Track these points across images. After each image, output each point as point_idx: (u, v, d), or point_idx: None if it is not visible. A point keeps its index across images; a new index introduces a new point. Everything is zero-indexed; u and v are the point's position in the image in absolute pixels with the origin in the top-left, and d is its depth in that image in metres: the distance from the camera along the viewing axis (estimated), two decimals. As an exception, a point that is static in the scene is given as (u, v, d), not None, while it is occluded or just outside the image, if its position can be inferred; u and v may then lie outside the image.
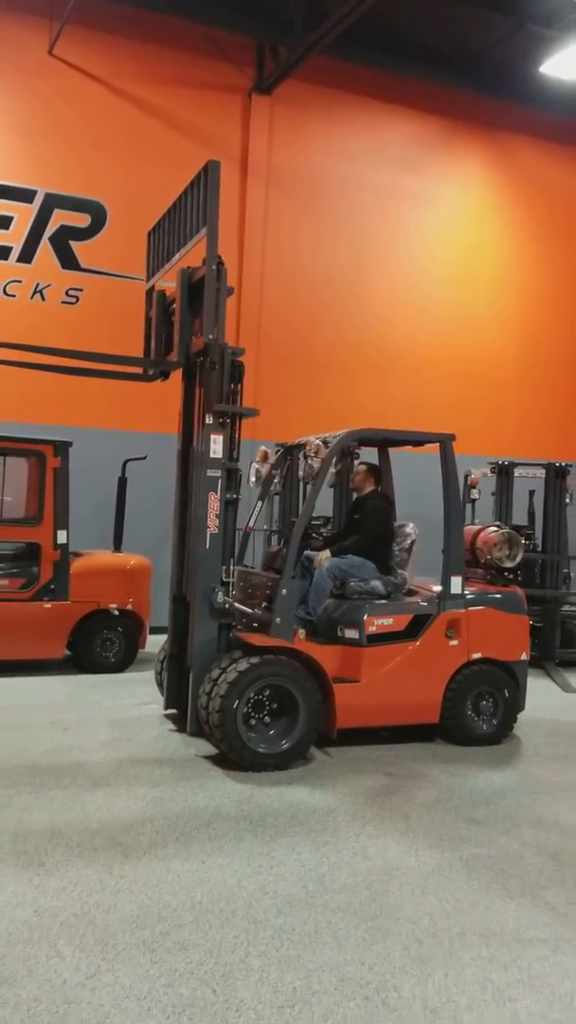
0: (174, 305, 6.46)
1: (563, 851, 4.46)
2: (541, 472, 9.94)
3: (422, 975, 3.23)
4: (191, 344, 6.26)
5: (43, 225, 10.64)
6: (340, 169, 12.19)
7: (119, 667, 8.48)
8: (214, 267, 5.86)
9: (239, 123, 11.61)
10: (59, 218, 10.70)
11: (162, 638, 6.76)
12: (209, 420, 5.91)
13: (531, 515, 11.12)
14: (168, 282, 6.62)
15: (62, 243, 10.75)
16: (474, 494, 10.48)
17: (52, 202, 10.66)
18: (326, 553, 6.42)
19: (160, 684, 6.84)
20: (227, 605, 5.89)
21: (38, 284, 10.62)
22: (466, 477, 10.56)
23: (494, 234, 13.34)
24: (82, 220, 10.82)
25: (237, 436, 6.09)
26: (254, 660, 5.63)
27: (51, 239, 10.68)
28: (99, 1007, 2.95)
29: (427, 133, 12.72)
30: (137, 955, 3.29)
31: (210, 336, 5.85)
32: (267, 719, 5.69)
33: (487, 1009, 3.02)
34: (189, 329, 6.28)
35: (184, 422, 6.45)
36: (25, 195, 10.54)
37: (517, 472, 10.06)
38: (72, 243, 10.81)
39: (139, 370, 6.77)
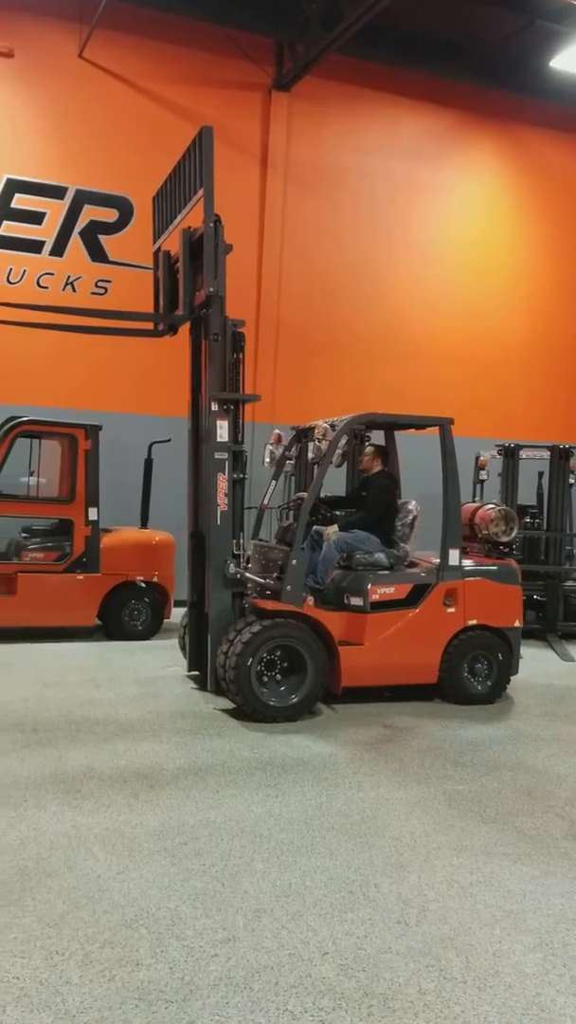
0: (178, 264, 6.96)
1: (537, 788, 5.02)
2: (546, 454, 10.41)
3: (399, 877, 3.82)
4: (195, 298, 6.77)
5: (74, 220, 11.24)
6: (356, 161, 12.67)
7: (145, 635, 9.13)
8: (211, 224, 6.38)
9: (259, 119, 12.12)
10: (88, 213, 11.29)
11: (185, 609, 7.38)
12: (214, 407, 6.48)
13: (539, 495, 11.58)
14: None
15: (91, 237, 11.34)
16: (482, 475, 10.98)
17: (82, 198, 11.25)
18: (334, 528, 6.99)
19: (183, 649, 7.47)
20: (238, 575, 6.48)
21: (69, 276, 11.22)
22: (476, 459, 11.07)
23: (505, 223, 13.76)
24: (110, 215, 11.40)
25: (241, 420, 6.64)
26: (266, 623, 6.24)
27: (81, 233, 11.28)
28: (127, 893, 3.57)
29: (441, 126, 13.16)
30: (159, 858, 3.91)
31: (211, 289, 6.37)
32: (278, 677, 6.30)
33: (451, 901, 3.61)
34: (192, 284, 6.77)
35: (192, 407, 7.01)
36: (57, 192, 11.13)
37: (523, 454, 10.53)
38: (101, 237, 11.40)
39: (149, 325, 7.30)
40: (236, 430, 6.56)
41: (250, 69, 11.93)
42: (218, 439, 6.46)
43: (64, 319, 7.21)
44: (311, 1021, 2.75)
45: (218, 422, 6.45)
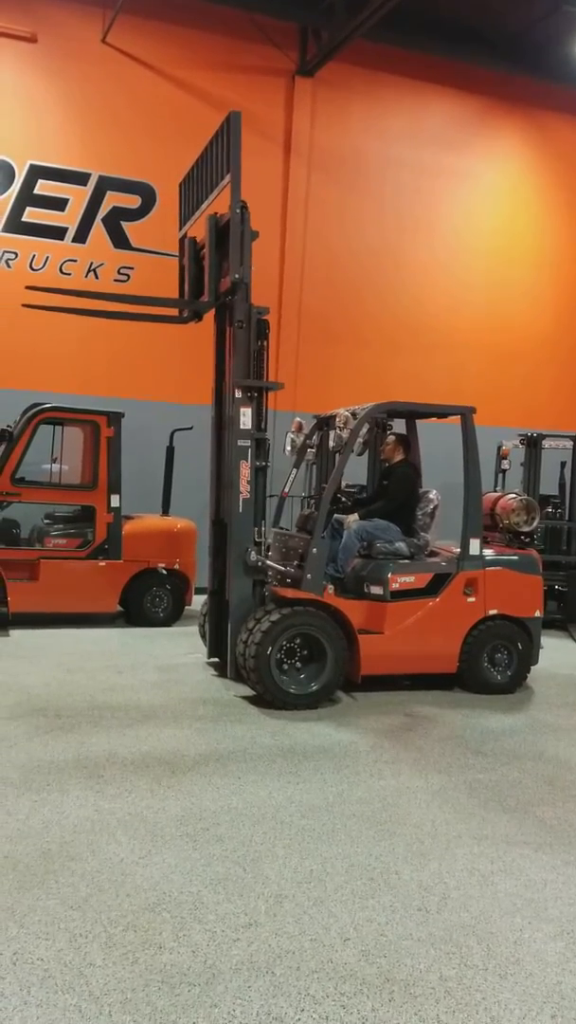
0: (204, 250, 6.96)
1: (558, 778, 5.02)
2: (569, 443, 10.34)
3: (420, 864, 3.83)
4: (220, 284, 6.76)
5: (96, 207, 11.24)
6: (380, 148, 12.58)
7: (167, 621, 9.19)
8: (238, 211, 6.37)
9: (283, 105, 12.06)
10: (111, 200, 11.29)
11: (206, 596, 7.41)
12: (238, 394, 6.48)
13: (562, 485, 11.51)
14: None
15: (114, 224, 11.35)
16: (504, 464, 10.94)
17: (105, 184, 11.25)
18: (354, 516, 6.98)
19: (203, 636, 7.50)
20: (259, 563, 6.50)
21: (92, 263, 11.24)
22: (498, 448, 11.01)
23: (530, 210, 13.63)
24: (133, 201, 11.40)
25: (264, 408, 6.64)
26: (286, 611, 6.25)
27: (104, 220, 11.29)
28: (150, 878, 3.60)
29: (465, 112, 13.03)
30: (182, 843, 3.95)
31: (236, 275, 6.37)
32: (298, 664, 6.32)
33: (471, 889, 3.62)
34: (218, 270, 6.77)
35: (216, 385, 7.02)
36: (80, 178, 11.14)
37: (546, 443, 10.46)
38: (123, 223, 11.40)
39: (175, 312, 7.30)
40: (259, 418, 6.56)
41: (274, 54, 11.86)
42: (241, 426, 6.47)
43: (88, 304, 7.21)
44: (333, 1006, 2.77)
45: (241, 409, 6.46)
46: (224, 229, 6.62)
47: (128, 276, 11.36)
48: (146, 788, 4.58)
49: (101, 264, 11.27)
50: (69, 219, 11.12)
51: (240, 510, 6.49)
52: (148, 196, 11.41)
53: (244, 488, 6.49)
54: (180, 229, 7.60)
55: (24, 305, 7.10)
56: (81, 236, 11.17)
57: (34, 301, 6.91)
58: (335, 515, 7.03)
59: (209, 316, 7.10)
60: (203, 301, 6.95)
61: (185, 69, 11.49)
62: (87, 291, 7.17)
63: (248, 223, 6.44)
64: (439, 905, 3.46)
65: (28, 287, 6.88)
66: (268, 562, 6.53)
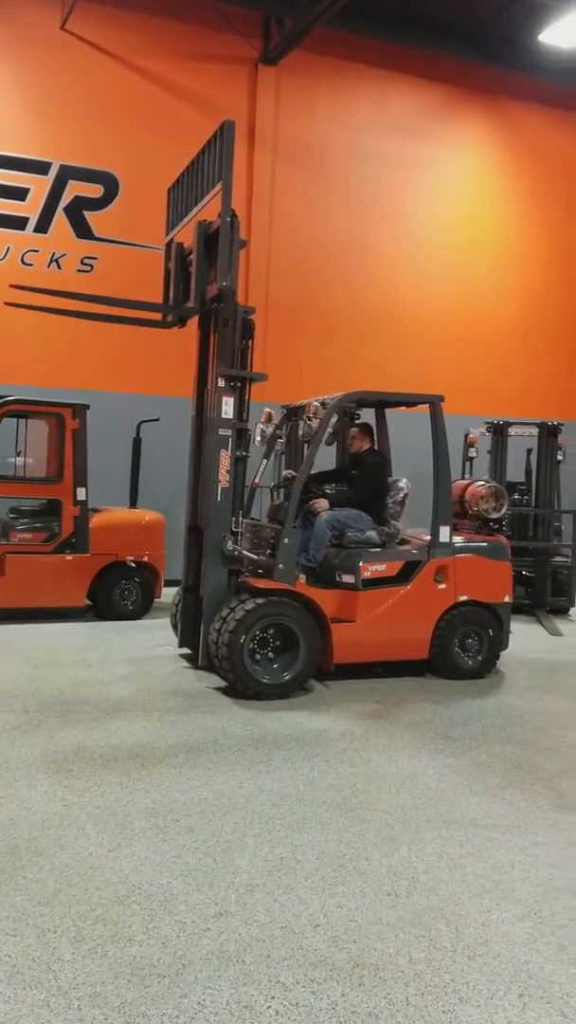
0: (191, 256, 6.93)
1: (525, 761, 5.06)
2: (534, 431, 10.42)
3: (390, 849, 3.84)
4: (206, 291, 6.74)
5: (58, 196, 11.10)
6: (346, 137, 12.55)
7: (136, 615, 9.12)
8: (228, 219, 6.35)
9: (246, 94, 11.97)
10: (73, 189, 11.16)
11: (177, 588, 7.37)
12: (221, 383, 6.46)
13: (528, 472, 11.61)
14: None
15: (76, 213, 11.22)
16: (472, 452, 11.01)
17: (66, 173, 11.11)
18: (324, 503, 6.98)
19: (175, 627, 7.47)
20: (236, 552, 6.48)
21: (54, 253, 11.11)
22: (465, 436, 11.08)
23: (496, 199, 13.67)
24: (95, 191, 11.28)
25: (247, 398, 6.64)
26: (259, 601, 6.24)
27: (66, 209, 11.15)
28: (119, 871, 3.58)
29: (431, 101, 13.03)
30: (151, 835, 3.92)
31: (224, 283, 6.35)
32: (271, 654, 6.32)
33: (440, 872, 3.64)
34: (205, 277, 6.76)
35: (198, 388, 7.00)
36: (40, 167, 10.99)
37: (512, 431, 10.54)
38: (86, 213, 11.28)
39: (158, 316, 7.27)
40: (241, 408, 6.55)
41: (236, 42, 11.77)
42: (223, 415, 6.45)
43: (69, 304, 7.01)
44: (303, 992, 2.77)
45: (224, 398, 6.45)
46: (212, 236, 6.59)
47: (91, 266, 11.25)
48: (116, 781, 4.55)
49: (64, 254, 11.14)
50: (30, 209, 10.97)
51: (218, 499, 6.47)
52: (111, 185, 11.30)
53: (223, 477, 6.47)
54: (167, 234, 7.54)
55: (7, 303, 6.97)
56: (43, 226, 11.03)
57: (18, 300, 6.79)
58: (306, 504, 7.02)
59: (192, 319, 7.06)
60: (189, 307, 6.91)
61: (146, 57, 11.38)
62: (74, 293, 7.02)
63: (238, 231, 6.43)
64: (408, 889, 3.47)
65: (12, 286, 6.76)
66: (245, 552, 6.52)
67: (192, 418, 7.09)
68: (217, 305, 6.55)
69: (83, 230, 11.25)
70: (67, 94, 11.05)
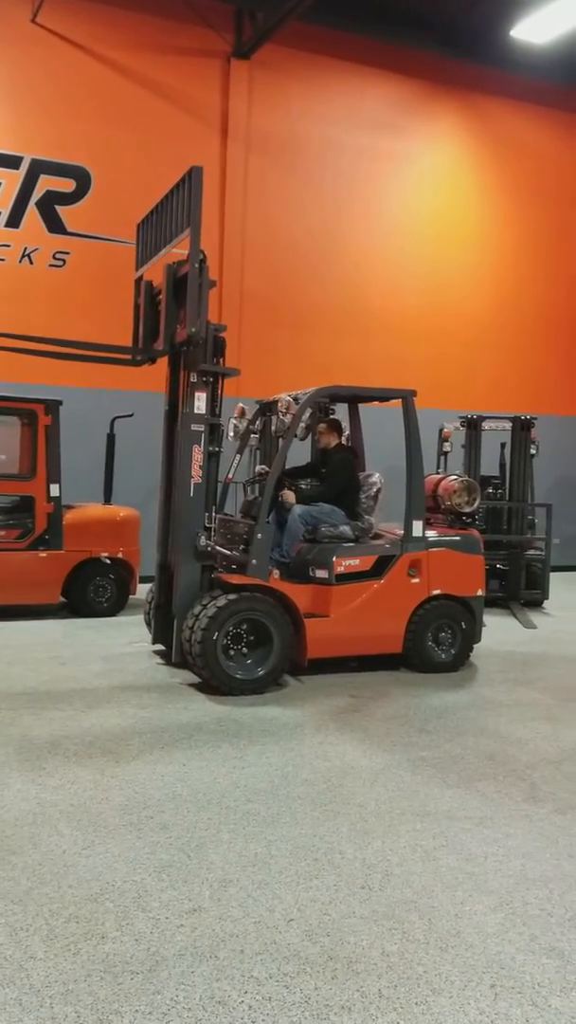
0: (160, 296, 6.86)
1: (499, 753, 5.10)
2: (508, 425, 10.48)
3: (364, 843, 3.86)
4: (176, 334, 6.66)
5: (29, 190, 11.00)
6: (319, 132, 12.53)
7: (111, 611, 9.08)
8: (196, 265, 6.29)
9: (219, 88, 11.92)
10: (45, 183, 11.06)
11: (151, 584, 7.35)
12: (193, 379, 6.44)
13: (502, 466, 11.68)
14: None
15: (48, 208, 11.12)
16: (446, 447, 11.05)
17: (38, 168, 11.01)
18: (291, 494, 6.97)
19: (149, 624, 7.44)
20: (209, 548, 6.47)
21: (26, 248, 11.01)
22: (440, 431, 11.12)
23: (469, 194, 13.73)
24: (67, 185, 11.18)
25: (220, 394, 6.62)
26: (232, 597, 6.23)
27: (38, 204, 11.05)
28: (93, 868, 3.57)
29: (404, 96, 13.04)
30: (125, 832, 3.91)
31: (192, 329, 6.28)
32: (244, 650, 6.31)
33: (414, 865, 3.66)
34: (174, 320, 6.67)
35: (171, 386, 6.97)
36: (11, 161, 10.88)
37: (486, 425, 10.60)
38: (58, 208, 11.18)
39: (127, 356, 7.26)
40: (214, 403, 6.53)
41: (209, 36, 11.72)
42: (195, 411, 6.43)
43: (37, 346, 7.05)
44: (276, 986, 2.78)
45: (197, 393, 6.42)
46: (181, 279, 6.51)
47: (63, 261, 11.16)
48: (89, 779, 4.53)
49: (36, 249, 11.04)
50: (1, 203, 10.86)
51: (191, 495, 6.45)
52: (83, 180, 11.21)
53: (196, 473, 6.45)
54: (136, 270, 7.47)
55: None
56: (14, 221, 10.93)
57: None
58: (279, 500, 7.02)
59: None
60: (157, 349, 6.87)
61: (118, 50, 11.29)
62: (45, 338, 7.03)
63: (207, 276, 6.37)
64: (382, 882, 3.49)
65: None
66: (218, 548, 6.50)
67: (165, 413, 7.06)
68: (186, 349, 6.52)
69: (55, 225, 11.15)
70: (38, 88, 10.95)
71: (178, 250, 6.60)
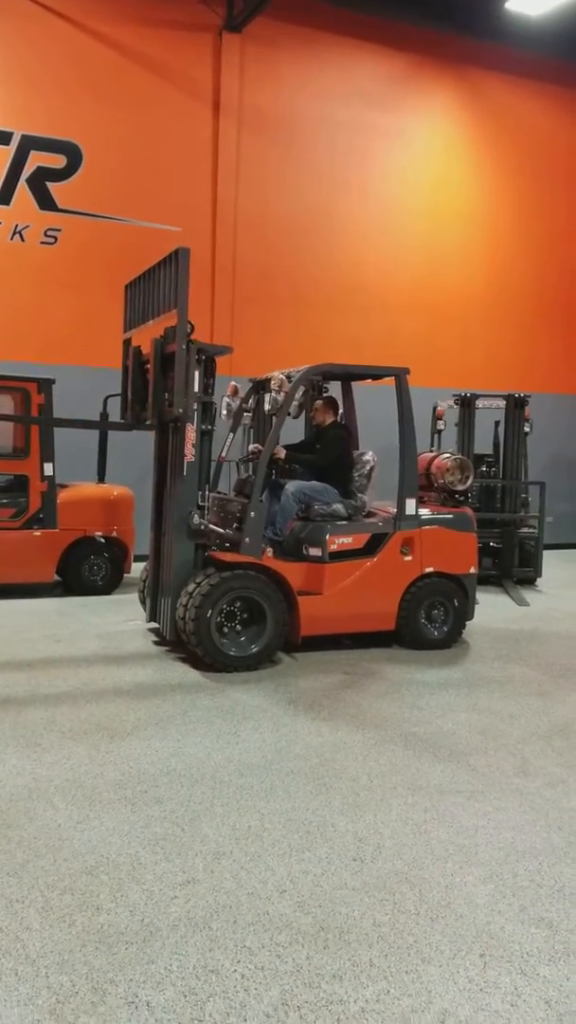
0: (148, 364, 6.77)
1: (490, 728, 5.15)
2: (502, 403, 10.48)
3: (356, 816, 3.90)
4: (164, 411, 6.55)
5: (20, 167, 10.87)
6: (312, 106, 12.41)
7: (106, 590, 9.10)
8: (184, 346, 6.22)
9: (210, 62, 11.77)
10: (35, 159, 10.93)
11: (145, 563, 7.36)
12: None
13: (496, 444, 11.68)
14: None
15: (39, 184, 10.99)
16: (440, 425, 11.05)
17: (28, 144, 10.87)
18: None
19: (143, 602, 7.46)
20: (202, 526, 6.48)
21: (17, 225, 10.91)
22: (434, 409, 11.12)
23: (463, 170, 13.63)
24: (58, 161, 11.06)
25: (213, 373, 6.58)
26: (226, 575, 6.25)
27: (28, 181, 10.93)
28: (88, 842, 3.61)
29: (397, 70, 12.91)
30: (120, 807, 3.95)
31: (179, 410, 6.24)
32: (238, 627, 6.34)
33: (405, 838, 3.70)
34: (161, 397, 6.58)
35: (157, 464, 6.89)
36: (1, 137, 10.75)
37: (479, 403, 10.59)
38: (49, 184, 11.05)
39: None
40: (207, 382, 6.50)
41: (199, 9, 11.56)
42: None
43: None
44: (268, 956, 2.83)
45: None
46: (169, 356, 6.41)
47: (55, 238, 11.07)
48: (85, 754, 4.57)
49: (27, 226, 10.94)
50: (-8, 180, 10.76)
51: (184, 473, 6.45)
52: (74, 155, 11.09)
53: (188, 451, 6.44)
54: (124, 332, 7.38)
55: None
56: (5, 198, 10.81)
57: None
58: (274, 479, 7.03)
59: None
60: (147, 423, 6.82)
61: (108, 24, 11.14)
62: (36, 418, 7.05)
63: (194, 356, 6.29)
64: (373, 855, 3.54)
65: None
66: (211, 526, 6.51)
67: (153, 466, 7.02)
68: (174, 425, 6.48)
69: (46, 201, 11.04)
70: (28, 63, 10.80)
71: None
